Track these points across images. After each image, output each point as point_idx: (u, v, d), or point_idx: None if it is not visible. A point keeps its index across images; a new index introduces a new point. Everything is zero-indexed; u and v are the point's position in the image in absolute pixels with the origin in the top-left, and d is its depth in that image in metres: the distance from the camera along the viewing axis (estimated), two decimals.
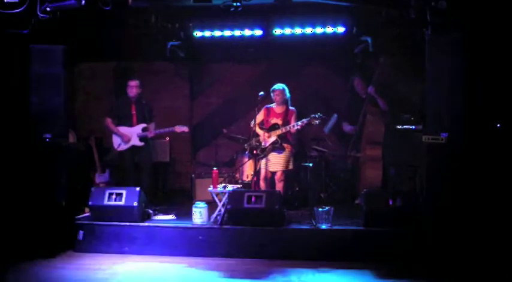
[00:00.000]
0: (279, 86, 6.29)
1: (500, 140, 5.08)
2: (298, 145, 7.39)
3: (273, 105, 6.34)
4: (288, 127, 6.16)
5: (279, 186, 6.23)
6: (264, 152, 6.20)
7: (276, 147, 6.20)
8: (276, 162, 6.23)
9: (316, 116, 5.96)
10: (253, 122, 6.31)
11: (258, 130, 6.37)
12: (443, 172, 4.98)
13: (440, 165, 5.00)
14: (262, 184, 6.31)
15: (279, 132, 6.19)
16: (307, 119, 6.00)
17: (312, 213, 5.48)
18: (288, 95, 6.30)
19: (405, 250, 5.02)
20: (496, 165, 5.02)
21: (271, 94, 6.29)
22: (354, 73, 7.23)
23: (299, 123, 6.09)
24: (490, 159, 5.02)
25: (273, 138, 6.21)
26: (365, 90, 6.89)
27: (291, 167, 6.34)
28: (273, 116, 6.33)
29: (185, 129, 6.78)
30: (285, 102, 6.30)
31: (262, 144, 6.24)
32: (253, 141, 6.32)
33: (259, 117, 6.42)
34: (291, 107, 6.37)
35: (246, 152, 6.64)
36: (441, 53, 5.04)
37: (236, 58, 8.44)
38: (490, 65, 5.13)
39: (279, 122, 6.26)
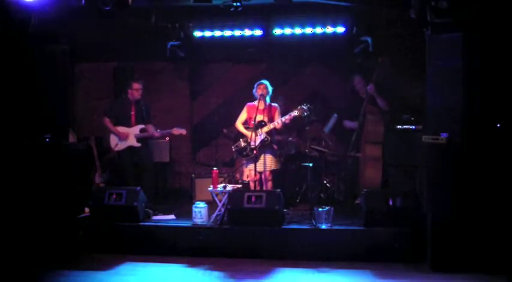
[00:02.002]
0: (264, 80, 6.24)
1: (500, 140, 5.07)
2: (294, 147, 7.39)
3: (255, 102, 6.17)
4: (275, 122, 6.11)
5: (268, 186, 6.21)
6: (254, 152, 6.06)
7: (266, 145, 6.12)
8: (264, 162, 6.16)
9: (304, 107, 5.91)
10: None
11: (243, 130, 6.27)
12: (443, 172, 4.98)
13: (440, 165, 5.00)
14: (251, 185, 6.27)
15: (266, 129, 6.13)
16: (295, 110, 5.95)
17: (312, 213, 5.47)
18: (270, 91, 6.23)
19: (405, 250, 5.02)
20: (496, 165, 5.01)
21: (255, 88, 6.18)
22: (356, 72, 7.22)
23: (286, 116, 6.04)
24: (490, 159, 5.02)
25: (261, 137, 6.13)
26: (365, 89, 6.88)
27: (277, 166, 6.31)
28: (257, 113, 6.16)
29: (183, 131, 6.79)
30: (268, 97, 6.23)
31: (251, 143, 6.11)
32: (241, 142, 6.26)
33: (243, 115, 6.33)
34: (273, 103, 6.34)
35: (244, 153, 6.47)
36: (441, 53, 5.04)
37: (236, 58, 8.45)
38: (490, 65, 5.12)
39: (264, 118, 6.19)
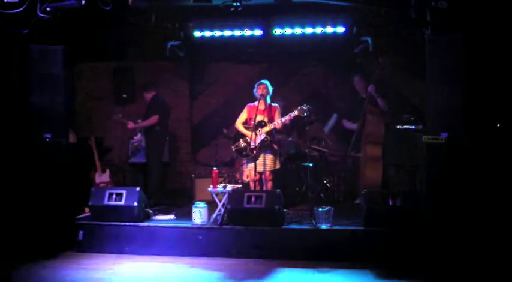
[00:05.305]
0: (264, 80, 6.24)
1: (500, 140, 5.08)
2: (294, 147, 7.39)
3: (256, 102, 6.16)
4: (275, 123, 6.11)
5: (268, 186, 6.21)
6: (253, 152, 6.06)
7: (266, 145, 6.12)
8: (264, 162, 6.14)
9: (304, 107, 5.89)
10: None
11: (243, 130, 6.26)
12: (443, 172, 4.98)
13: (440, 165, 5.00)
14: (251, 185, 6.27)
15: (266, 129, 6.12)
16: (295, 111, 5.94)
17: (312, 213, 5.47)
18: (271, 91, 6.23)
19: (405, 250, 5.02)
20: (496, 165, 5.02)
21: (256, 88, 6.18)
22: (355, 72, 7.22)
23: (286, 117, 6.03)
24: (490, 159, 5.02)
25: (261, 137, 6.12)
26: (365, 89, 6.88)
27: (278, 166, 6.30)
28: (257, 113, 6.15)
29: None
30: (268, 98, 6.23)
31: (251, 144, 6.10)
32: (241, 142, 6.25)
33: (243, 116, 6.33)
34: (273, 103, 6.34)
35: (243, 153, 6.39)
36: (441, 53, 5.04)
37: (236, 58, 8.45)
38: (489, 65, 5.13)
39: (264, 119, 6.19)
